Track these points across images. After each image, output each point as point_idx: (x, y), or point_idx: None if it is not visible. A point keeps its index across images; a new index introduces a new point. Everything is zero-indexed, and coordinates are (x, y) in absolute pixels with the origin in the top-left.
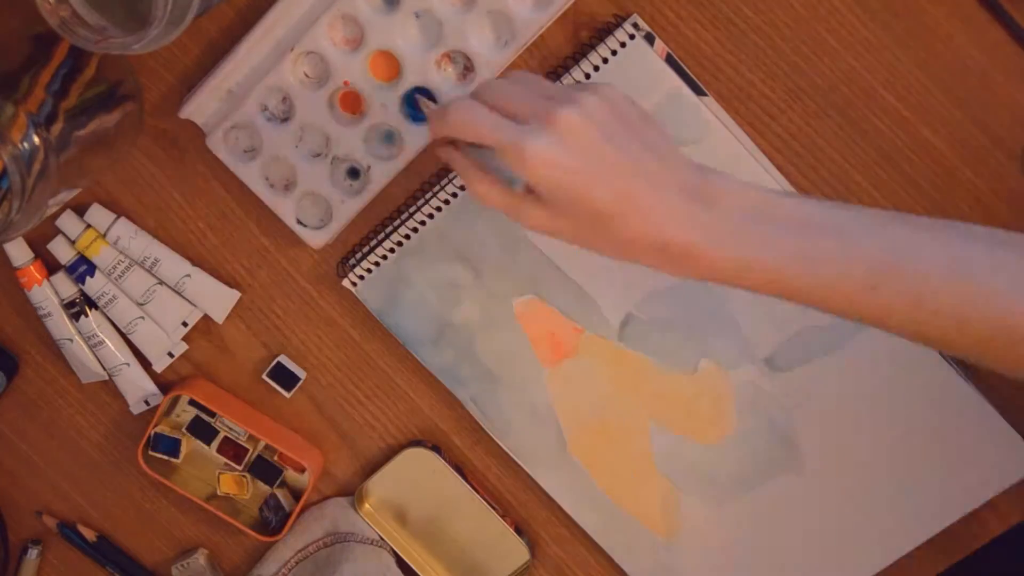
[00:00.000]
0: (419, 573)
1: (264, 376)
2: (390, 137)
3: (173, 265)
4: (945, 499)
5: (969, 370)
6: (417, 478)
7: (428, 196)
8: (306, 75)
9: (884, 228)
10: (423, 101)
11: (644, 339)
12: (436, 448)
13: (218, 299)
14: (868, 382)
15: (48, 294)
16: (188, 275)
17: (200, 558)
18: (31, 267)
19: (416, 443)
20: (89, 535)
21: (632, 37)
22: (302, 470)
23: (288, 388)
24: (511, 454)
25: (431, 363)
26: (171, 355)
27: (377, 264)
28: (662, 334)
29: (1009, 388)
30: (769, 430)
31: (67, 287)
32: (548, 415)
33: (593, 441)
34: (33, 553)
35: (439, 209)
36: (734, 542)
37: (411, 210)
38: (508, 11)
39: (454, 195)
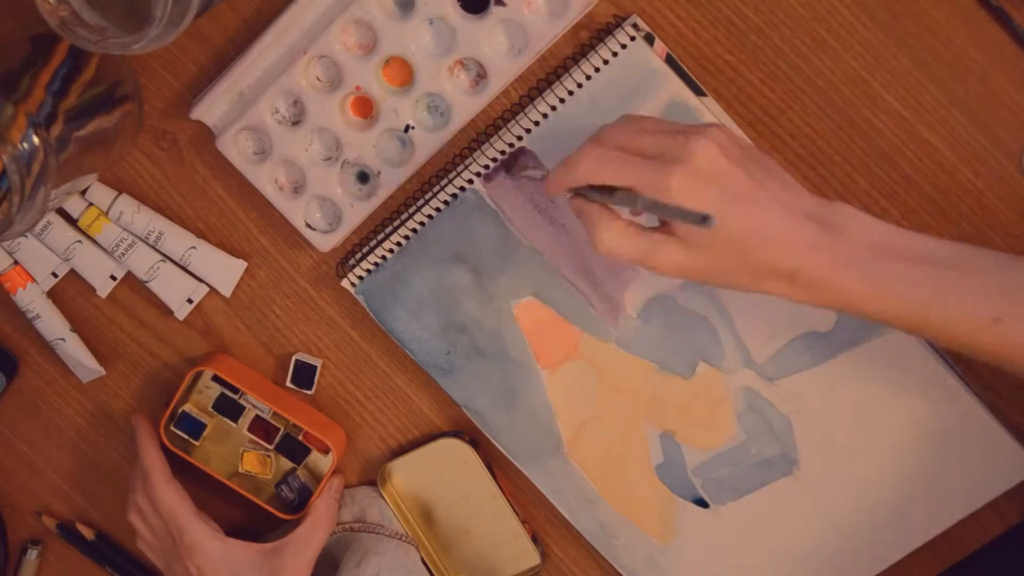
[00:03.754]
0: (424, 558)
1: (288, 384)
2: (401, 142)
3: (177, 238)
4: (940, 505)
5: (966, 375)
6: (445, 468)
7: (428, 197)
8: (318, 79)
9: (1003, 269)
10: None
11: (642, 343)
12: (473, 442)
13: (224, 270)
14: (866, 388)
15: (34, 296)
16: (193, 247)
17: None
18: (12, 271)
19: (453, 434)
20: (87, 533)
21: (632, 38)
22: (326, 450)
23: (308, 386)
24: (508, 456)
25: (428, 364)
26: None
27: (376, 265)
28: (660, 338)
29: (1005, 392)
30: (767, 434)
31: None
32: (546, 417)
33: (591, 444)
34: (33, 553)
35: (439, 210)
36: (732, 546)
37: (411, 211)
38: (522, 20)
39: (454, 196)
